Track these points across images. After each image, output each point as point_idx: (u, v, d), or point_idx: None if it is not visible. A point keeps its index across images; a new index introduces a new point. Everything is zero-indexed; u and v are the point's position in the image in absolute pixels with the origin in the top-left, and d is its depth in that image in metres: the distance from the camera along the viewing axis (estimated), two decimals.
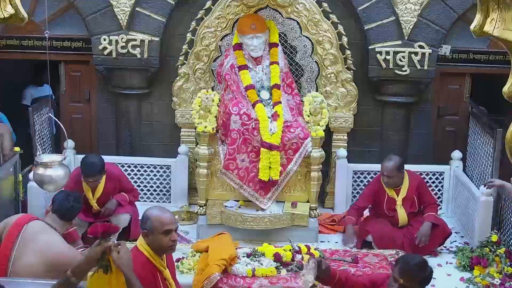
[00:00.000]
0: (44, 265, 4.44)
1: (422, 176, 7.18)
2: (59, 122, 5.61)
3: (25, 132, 7.62)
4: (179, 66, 7.43)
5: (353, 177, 7.33)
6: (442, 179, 7.35)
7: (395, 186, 6.39)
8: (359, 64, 7.46)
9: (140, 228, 4.11)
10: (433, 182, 7.38)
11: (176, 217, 6.93)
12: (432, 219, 6.30)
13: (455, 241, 6.67)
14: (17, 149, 6.95)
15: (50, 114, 5.92)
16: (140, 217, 6.48)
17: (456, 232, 6.87)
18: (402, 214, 6.38)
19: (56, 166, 5.01)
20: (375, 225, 6.42)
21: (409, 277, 3.64)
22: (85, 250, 5.44)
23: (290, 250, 5.92)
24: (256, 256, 5.91)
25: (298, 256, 5.89)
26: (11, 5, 3.52)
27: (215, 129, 6.85)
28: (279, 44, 7.09)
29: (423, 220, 6.32)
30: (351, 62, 7.38)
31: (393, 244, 6.29)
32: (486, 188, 6.35)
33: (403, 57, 7.30)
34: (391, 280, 3.76)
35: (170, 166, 7.39)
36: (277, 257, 5.80)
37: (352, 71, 7.40)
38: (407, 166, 6.52)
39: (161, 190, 7.47)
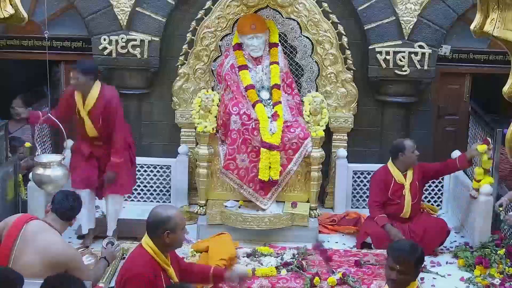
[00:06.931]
0: (43, 264, 4.43)
1: None
2: (58, 122, 5.61)
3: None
4: (179, 66, 7.42)
5: (353, 177, 7.33)
6: (442, 179, 7.34)
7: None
8: (359, 64, 7.46)
9: (159, 231, 4.03)
10: (433, 182, 7.37)
11: None
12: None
13: (455, 241, 6.67)
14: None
15: (49, 114, 5.90)
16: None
17: (456, 232, 6.87)
18: (408, 200, 6.36)
19: (55, 166, 5.02)
20: (373, 226, 6.41)
21: (404, 261, 3.72)
22: (84, 250, 5.44)
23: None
24: (256, 256, 5.91)
25: None
26: (11, 5, 3.53)
27: (215, 129, 6.86)
28: (279, 44, 7.10)
29: (422, 217, 6.42)
30: (351, 62, 7.38)
31: None
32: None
33: (403, 57, 7.30)
34: (387, 270, 3.81)
35: (170, 166, 7.38)
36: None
37: (352, 71, 7.40)
38: None
39: (161, 190, 7.46)
